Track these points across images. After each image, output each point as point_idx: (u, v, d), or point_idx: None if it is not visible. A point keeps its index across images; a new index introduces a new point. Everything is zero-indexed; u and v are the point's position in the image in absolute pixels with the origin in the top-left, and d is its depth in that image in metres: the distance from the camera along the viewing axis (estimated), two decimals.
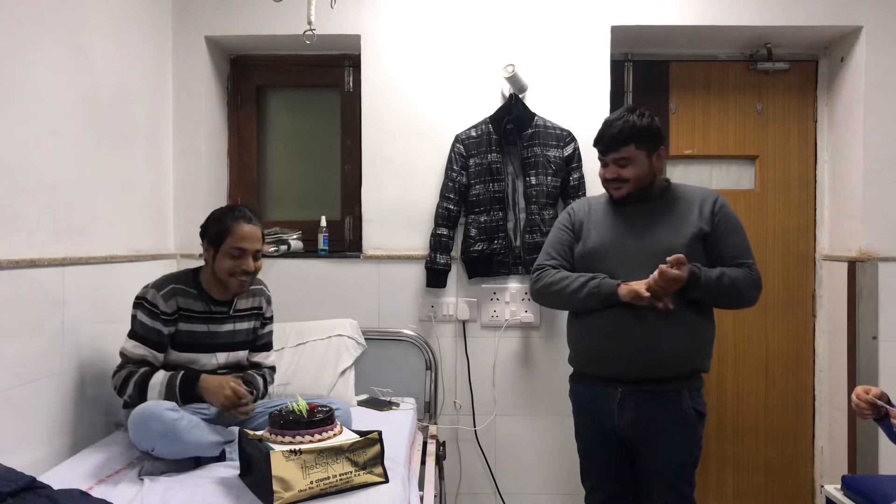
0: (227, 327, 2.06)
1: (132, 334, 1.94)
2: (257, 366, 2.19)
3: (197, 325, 2.00)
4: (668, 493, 1.92)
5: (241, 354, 2.13)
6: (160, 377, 1.88)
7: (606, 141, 1.95)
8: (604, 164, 1.99)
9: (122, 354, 1.95)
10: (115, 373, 1.93)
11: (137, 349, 1.93)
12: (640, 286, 1.84)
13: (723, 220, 1.94)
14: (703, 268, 1.87)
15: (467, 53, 2.72)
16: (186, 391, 1.87)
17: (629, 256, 1.93)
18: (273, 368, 2.26)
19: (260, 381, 2.13)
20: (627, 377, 1.91)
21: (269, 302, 2.21)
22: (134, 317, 1.95)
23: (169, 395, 1.86)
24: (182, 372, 1.90)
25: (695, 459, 1.95)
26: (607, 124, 1.96)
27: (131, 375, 1.88)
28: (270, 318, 2.23)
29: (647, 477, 1.95)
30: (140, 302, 1.95)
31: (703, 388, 1.98)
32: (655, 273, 1.80)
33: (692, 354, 1.92)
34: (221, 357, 2.05)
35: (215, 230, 1.99)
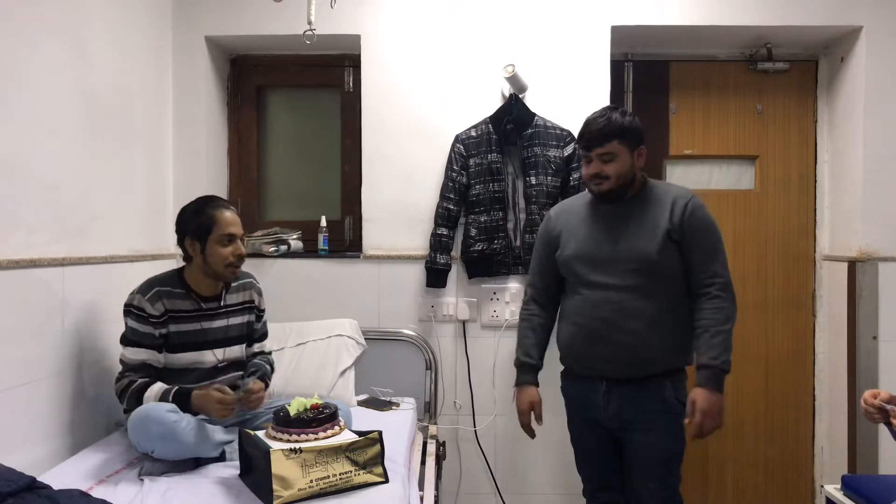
0: (220, 323, 2.06)
1: (127, 341, 1.93)
2: (258, 355, 2.21)
3: (188, 325, 1.99)
4: (651, 483, 1.94)
5: (238, 349, 2.13)
6: (155, 390, 1.87)
7: (591, 136, 1.94)
8: (587, 161, 1.98)
9: (121, 362, 1.94)
10: (116, 380, 1.93)
11: (137, 354, 1.92)
12: (526, 414, 2.09)
13: (691, 229, 1.91)
14: (707, 356, 1.86)
15: (467, 53, 2.72)
16: (179, 405, 1.83)
17: (604, 263, 1.95)
18: (271, 353, 2.28)
19: (268, 367, 2.18)
20: (611, 377, 1.96)
21: (260, 294, 2.22)
22: (126, 324, 1.95)
23: None
24: (176, 388, 1.88)
25: (679, 450, 1.97)
26: (590, 121, 1.97)
27: (130, 385, 1.88)
28: (264, 311, 2.24)
29: (632, 467, 1.98)
30: (128, 308, 1.94)
31: (687, 379, 2.00)
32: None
33: (673, 354, 1.95)
34: (219, 353, 2.05)
35: (198, 224, 1.97)
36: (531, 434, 2.13)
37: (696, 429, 1.85)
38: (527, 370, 2.12)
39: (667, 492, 1.95)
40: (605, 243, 1.96)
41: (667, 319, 1.92)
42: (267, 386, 2.09)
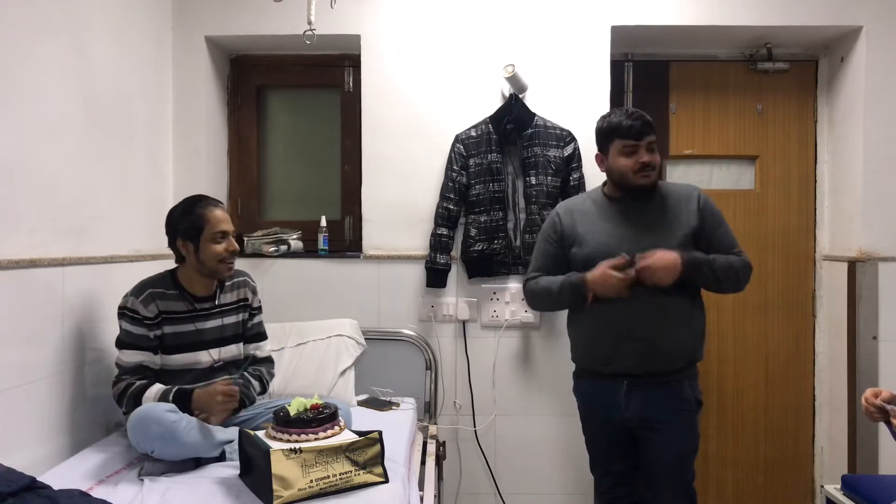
0: (215, 323, 2.06)
1: (122, 344, 1.94)
2: (252, 359, 2.19)
3: (182, 326, 2.00)
4: (669, 478, 1.98)
5: (234, 348, 2.12)
6: (154, 391, 1.88)
7: (642, 125, 1.96)
8: (632, 152, 1.96)
9: (118, 366, 1.94)
10: (114, 384, 1.93)
11: (133, 357, 1.93)
12: (605, 266, 1.90)
13: (709, 215, 2.02)
14: (693, 251, 1.94)
15: (467, 53, 2.72)
16: (179, 406, 1.83)
17: None
18: (270, 359, 2.26)
19: (256, 383, 2.12)
20: (634, 373, 1.98)
21: (254, 292, 2.21)
22: (120, 327, 1.95)
23: None
24: (176, 388, 1.90)
25: (695, 446, 2.03)
26: (629, 114, 1.99)
27: (128, 388, 1.89)
28: (259, 309, 2.23)
29: (651, 463, 2.01)
30: (122, 311, 1.95)
31: (699, 375, 2.06)
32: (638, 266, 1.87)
33: (692, 347, 2.01)
34: (215, 353, 2.05)
35: (188, 223, 1.97)
36: (627, 284, 1.88)
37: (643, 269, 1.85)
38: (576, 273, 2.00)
39: (684, 487, 2.00)
40: (626, 241, 1.96)
41: (689, 313, 1.98)
42: (244, 405, 2.01)
